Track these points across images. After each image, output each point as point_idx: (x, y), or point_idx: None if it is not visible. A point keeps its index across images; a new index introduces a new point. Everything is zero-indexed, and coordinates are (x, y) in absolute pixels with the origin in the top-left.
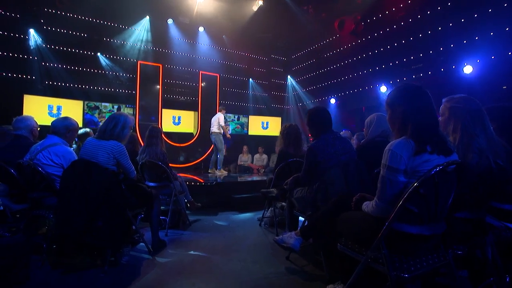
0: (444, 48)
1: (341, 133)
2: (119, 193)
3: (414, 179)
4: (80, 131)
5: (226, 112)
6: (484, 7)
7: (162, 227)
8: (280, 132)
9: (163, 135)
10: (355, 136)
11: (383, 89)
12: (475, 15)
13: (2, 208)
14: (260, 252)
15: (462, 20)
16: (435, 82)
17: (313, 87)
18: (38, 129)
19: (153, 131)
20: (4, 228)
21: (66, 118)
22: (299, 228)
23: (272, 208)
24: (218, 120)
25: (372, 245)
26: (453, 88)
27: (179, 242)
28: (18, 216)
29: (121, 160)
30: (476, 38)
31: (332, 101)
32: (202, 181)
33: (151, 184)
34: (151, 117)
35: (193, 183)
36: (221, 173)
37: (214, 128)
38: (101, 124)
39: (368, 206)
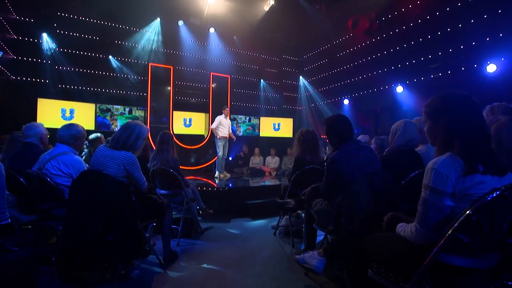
0: (464, 46)
1: (359, 137)
2: (129, 205)
3: (464, 203)
4: (91, 136)
5: (237, 114)
6: (509, 2)
7: (173, 236)
8: (296, 138)
9: (174, 138)
10: (373, 140)
11: (399, 89)
12: (499, 11)
13: (9, 220)
14: (277, 267)
15: (485, 16)
16: (455, 82)
17: (325, 88)
18: (48, 136)
19: (164, 137)
20: (12, 242)
21: (71, 126)
22: (321, 247)
23: (288, 217)
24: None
25: (413, 278)
26: (475, 88)
27: (191, 253)
28: (27, 227)
29: (132, 172)
30: (501, 35)
31: (346, 102)
32: (215, 185)
33: (162, 191)
34: (162, 118)
35: (204, 188)
36: (223, 175)
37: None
38: (115, 131)
39: (405, 230)
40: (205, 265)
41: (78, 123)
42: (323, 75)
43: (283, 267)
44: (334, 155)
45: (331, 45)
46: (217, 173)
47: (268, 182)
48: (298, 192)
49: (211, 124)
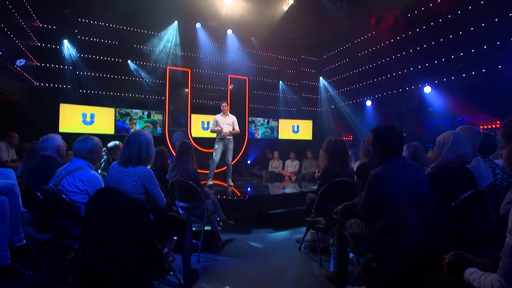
0: (502, 42)
1: None
2: (147, 225)
3: None
4: (110, 144)
5: (256, 116)
6: None
7: (193, 250)
8: (323, 148)
9: (192, 141)
10: (404, 148)
11: (427, 89)
12: None
13: (24, 242)
14: None
15: None
16: (491, 81)
17: (347, 88)
18: (66, 147)
19: (184, 147)
20: (27, 264)
21: (87, 140)
22: (363, 281)
23: (314, 231)
24: None
25: None
26: None
27: (212, 271)
28: (43, 247)
29: (150, 188)
30: None
31: (368, 103)
32: (238, 193)
33: (182, 204)
34: (180, 119)
35: (224, 197)
36: (211, 182)
37: None
38: (121, 149)
39: (481, 281)
40: (228, 287)
41: (94, 136)
42: (344, 75)
43: None
44: (378, 171)
45: (353, 44)
46: (209, 181)
47: (290, 189)
48: (326, 206)
49: (211, 127)
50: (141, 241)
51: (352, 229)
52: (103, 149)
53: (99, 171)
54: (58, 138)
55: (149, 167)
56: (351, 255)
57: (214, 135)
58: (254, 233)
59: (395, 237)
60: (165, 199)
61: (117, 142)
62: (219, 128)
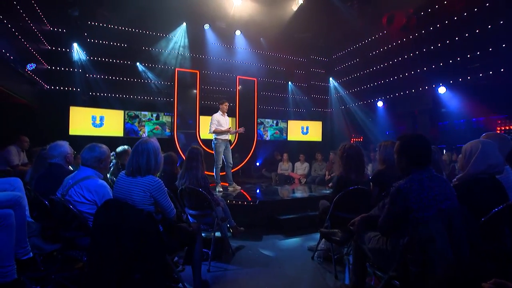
0: None
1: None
2: (156, 237)
3: None
4: (119, 149)
5: (265, 117)
6: None
7: (203, 258)
8: (338, 154)
9: (201, 143)
10: None
11: (442, 90)
12: None
13: (31, 255)
14: None
15: None
16: (509, 81)
17: (357, 89)
18: (74, 153)
19: (193, 153)
20: (34, 278)
21: (94, 148)
22: None
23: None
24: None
25: None
26: None
27: (224, 282)
28: (50, 258)
29: (159, 199)
30: None
31: (380, 103)
32: (249, 198)
33: (191, 211)
34: (188, 121)
35: (234, 202)
36: (220, 188)
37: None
38: (128, 159)
39: None
40: None
41: (102, 144)
42: (354, 75)
43: None
44: (402, 184)
45: (364, 44)
46: (217, 187)
47: (300, 193)
48: (340, 215)
49: (210, 128)
50: (150, 254)
51: (371, 244)
52: (112, 153)
53: (108, 175)
54: (66, 145)
55: (158, 175)
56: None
57: None
58: (264, 240)
59: (421, 255)
60: (174, 210)
61: (125, 147)
62: (224, 128)
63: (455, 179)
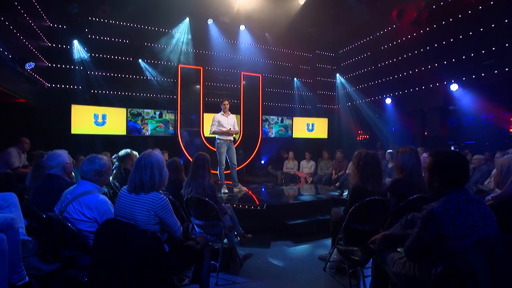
0: None
1: (388, 152)
2: (162, 260)
3: None
4: (121, 153)
5: (269, 114)
6: None
7: (211, 270)
8: (354, 163)
9: (204, 140)
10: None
11: (454, 87)
12: None
13: (27, 279)
14: None
15: None
16: None
17: (365, 85)
18: (73, 163)
19: (200, 160)
20: None
21: (94, 160)
22: None
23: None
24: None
25: None
26: None
27: None
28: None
29: (164, 218)
30: None
31: (388, 100)
32: (256, 201)
33: (198, 221)
34: (192, 119)
35: (240, 206)
36: (226, 190)
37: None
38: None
39: None
40: None
41: (102, 155)
42: (362, 71)
43: None
44: (436, 207)
45: (372, 38)
46: (223, 188)
47: (308, 195)
48: (356, 227)
49: (210, 129)
50: (155, 277)
51: (396, 268)
52: (114, 156)
53: (110, 178)
54: (64, 155)
55: (162, 190)
56: None
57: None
58: (273, 247)
59: None
60: (181, 228)
61: (128, 150)
62: (226, 129)
63: (489, 197)
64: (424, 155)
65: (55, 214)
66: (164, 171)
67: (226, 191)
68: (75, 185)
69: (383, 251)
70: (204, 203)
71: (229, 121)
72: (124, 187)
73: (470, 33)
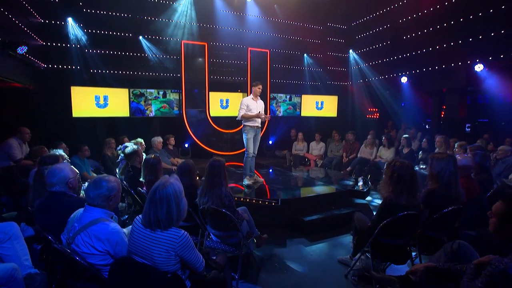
0: None
1: (404, 137)
2: None
3: None
4: (128, 150)
5: (277, 92)
6: None
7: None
8: (386, 174)
9: (210, 121)
10: (469, 155)
11: (479, 67)
12: None
13: None
14: None
15: None
16: None
17: (379, 61)
18: (78, 176)
19: (215, 167)
20: None
21: (101, 183)
22: None
23: (363, 257)
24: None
25: None
26: None
27: None
28: None
29: (186, 256)
30: None
31: (404, 79)
32: (268, 195)
33: (214, 231)
34: (197, 98)
35: (254, 201)
36: (253, 180)
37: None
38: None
39: None
40: None
41: (109, 176)
42: (377, 46)
43: None
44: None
45: (389, 10)
46: (246, 179)
47: (321, 185)
48: (384, 241)
49: (239, 113)
50: None
51: None
52: (119, 148)
53: (117, 174)
54: (66, 169)
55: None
56: None
57: (234, 114)
58: (289, 246)
59: None
60: (204, 262)
61: (135, 147)
62: (256, 113)
63: None
64: (466, 156)
65: (62, 247)
66: (183, 202)
67: (248, 182)
68: (82, 211)
69: (425, 285)
70: (221, 214)
71: (258, 106)
72: (138, 217)
73: (503, 7)
